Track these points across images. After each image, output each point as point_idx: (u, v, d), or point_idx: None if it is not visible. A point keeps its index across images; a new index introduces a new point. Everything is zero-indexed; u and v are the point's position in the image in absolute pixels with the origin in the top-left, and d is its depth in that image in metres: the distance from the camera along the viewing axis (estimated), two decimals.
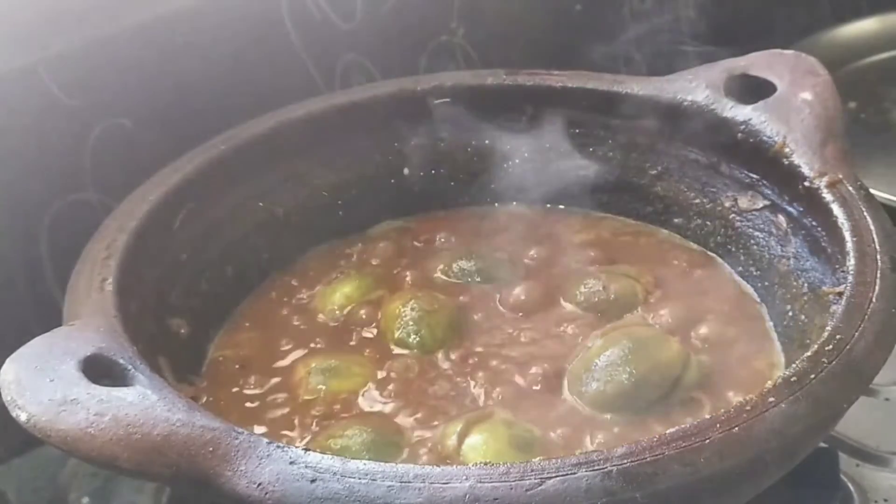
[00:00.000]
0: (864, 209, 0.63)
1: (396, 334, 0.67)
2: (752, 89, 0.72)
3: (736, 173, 0.73)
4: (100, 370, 0.53)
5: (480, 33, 0.95)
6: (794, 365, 0.54)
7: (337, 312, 0.71)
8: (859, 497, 0.67)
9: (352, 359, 0.66)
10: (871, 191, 0.66)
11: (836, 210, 0.63)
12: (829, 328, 0.56)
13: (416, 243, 0.77)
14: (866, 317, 0.56)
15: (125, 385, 0.52)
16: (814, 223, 0.67)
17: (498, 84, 0.78)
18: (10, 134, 0.72)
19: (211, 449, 0.49)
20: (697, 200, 0.75)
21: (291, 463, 0.48)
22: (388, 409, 0.63)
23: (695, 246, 0.76)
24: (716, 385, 0.63)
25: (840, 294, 0.59)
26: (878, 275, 0.59)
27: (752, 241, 0.72)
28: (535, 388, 0.63)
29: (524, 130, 0.79)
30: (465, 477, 0.47)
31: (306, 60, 0.85)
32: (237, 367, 0.67)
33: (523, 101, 0.78)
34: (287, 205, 0.76)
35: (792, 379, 0.52)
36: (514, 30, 0.98)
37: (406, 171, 0.79)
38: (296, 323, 0.70)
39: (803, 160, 0.67)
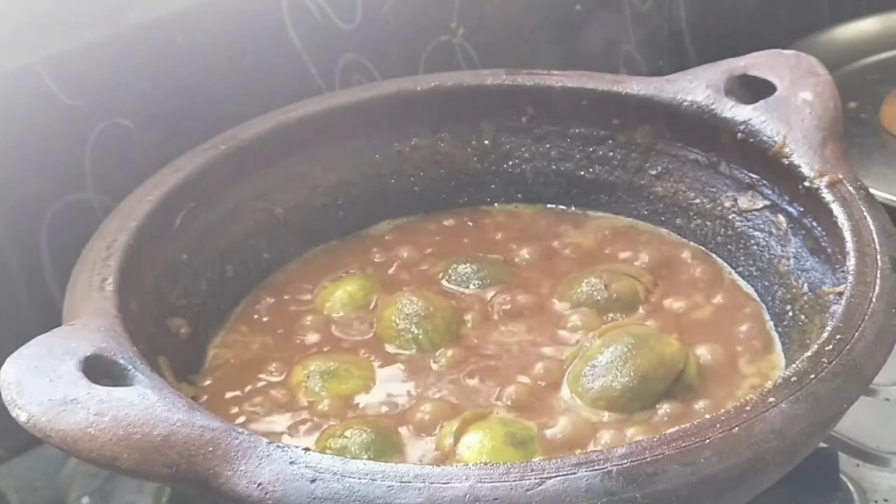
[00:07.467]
0: (864, 209, 0.63)
1: (395, 336, 0.67)
2: (752, 89, 0.72)
3: (736, 173, 0.73)
4: (100, 370, 0.53)
5: (480, 33, 0.95)
6: (794, 365, 0.54)
7: (336, 314, 0.71)
8: (859, 497, 0.67)
9: (351, 360, 0.66)
10: (871, 191, 0.66)
11: (836, 210, 0.63)
12: (829, 328, 0.56)
13: (415, 244, 0.77)
14: (866, 317, 0.56)
15: (125, 385, 0.52)
16: (814, 223, 0.67)
17: (498, 84, 0.78)
18: (10, 134, 0.72)
19: (211, 449, 0.49)
20: (697, 200, 0.75)
21: (291, 463, 0.49)
22: (386, 410, 0.63)
23: (695, 246, 0.76)
24: (715, 385, 0.63)
25: (840, 294, 0.59)
26: (878, 275, 0.59)
27: (752, 241, 0.72)
28: (534, 387, 0.63)
29: (524, 130, 0.79)
30: (465, 477, 0.47)
31: (306, 60, 0.85)
32: (237, 367, 0.67)
33: (523, 101, 0.78)
34: (287, 205, 0.76)
35: (792, 379, 0.52)
36: (514, 30, 0.98)
37: (406, 170, 0.79)
38: (295, 324, 0.70)
39: (803, 160, 0.67)
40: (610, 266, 0.73)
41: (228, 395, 0.65)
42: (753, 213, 0.72)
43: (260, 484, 0.48)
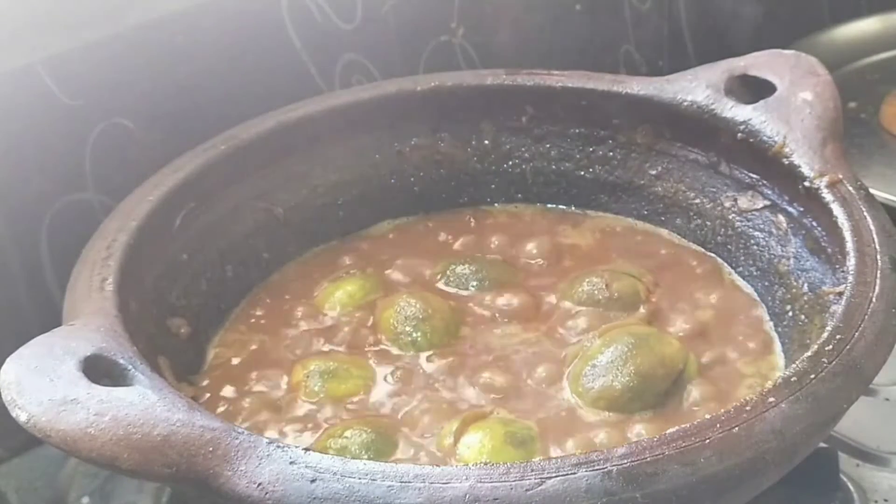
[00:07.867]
0: (864, 209, 0.63)
1: (394, 336, 0.67)
2: (752, 89, 0.72)
3: (736, 173, 0.73)
4: (100, 370, 0.53)
5: (480, 33, 0.95)
6: (794, 365, 0.54)
7: (336, 314, 0.71)
8: (859, 497, 0.67)
9: (350, 360, 0.66)
10: (871, 191, 0.66)
11: (836, 210, 0.63)
12: (829, 328, 0.56)
13: (415, 244, 0.77)
14: (866, 317, 0.56)
15: (125, 385, 0.52)
16: (814, 223, 0.67)
17: (498, 84, 0.78)
18: (10, 134, 0.72)
19: (211, 449, 0.49)
20: (697, 200, 0.75)
21: (291, 463, 0.49)
22: (385, 410, 0.63)
23: (695, 246, 0.76)
24: (715, 385, 0.63)
25: (840, 294, 0.59)
26: (878, 275, 0.59)
27: (752, 241, 0.72)
28: (534, 387, 0.63)
29: (524, 130, 0.79)
30: (465, 477, 0.47)
31: (306, 60, 0.85)
32: (237, 367, 0.67)
33: (523, 101, 0.78)
34: (287, 205, 0.76)
35: (792, 379, 0.52)
36: (514, 30, 0.98)
37: (406, 170, 0.79)
38: (295, 324, 0.70)
39: (803, 160, 0.67)
40: (610, 265, 0.73)
41: (228, 395, 0.65)
42: (753, 213, 0.72)
43: (260, 484, 0.48)
